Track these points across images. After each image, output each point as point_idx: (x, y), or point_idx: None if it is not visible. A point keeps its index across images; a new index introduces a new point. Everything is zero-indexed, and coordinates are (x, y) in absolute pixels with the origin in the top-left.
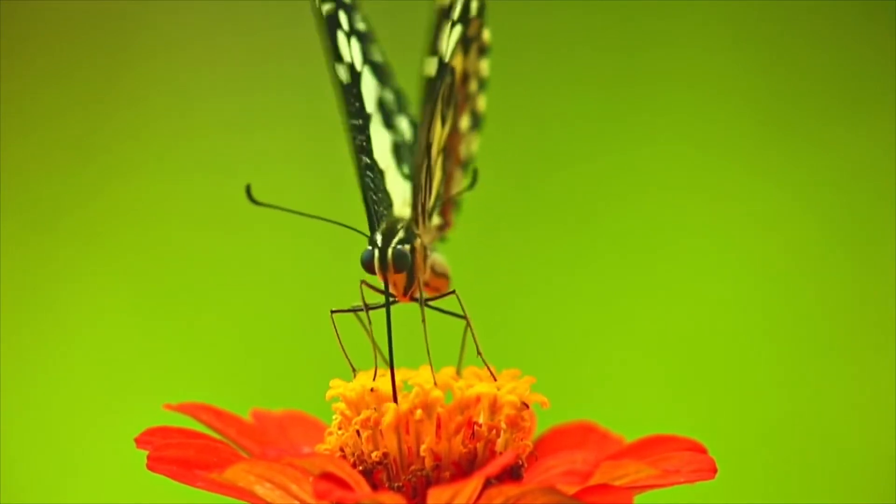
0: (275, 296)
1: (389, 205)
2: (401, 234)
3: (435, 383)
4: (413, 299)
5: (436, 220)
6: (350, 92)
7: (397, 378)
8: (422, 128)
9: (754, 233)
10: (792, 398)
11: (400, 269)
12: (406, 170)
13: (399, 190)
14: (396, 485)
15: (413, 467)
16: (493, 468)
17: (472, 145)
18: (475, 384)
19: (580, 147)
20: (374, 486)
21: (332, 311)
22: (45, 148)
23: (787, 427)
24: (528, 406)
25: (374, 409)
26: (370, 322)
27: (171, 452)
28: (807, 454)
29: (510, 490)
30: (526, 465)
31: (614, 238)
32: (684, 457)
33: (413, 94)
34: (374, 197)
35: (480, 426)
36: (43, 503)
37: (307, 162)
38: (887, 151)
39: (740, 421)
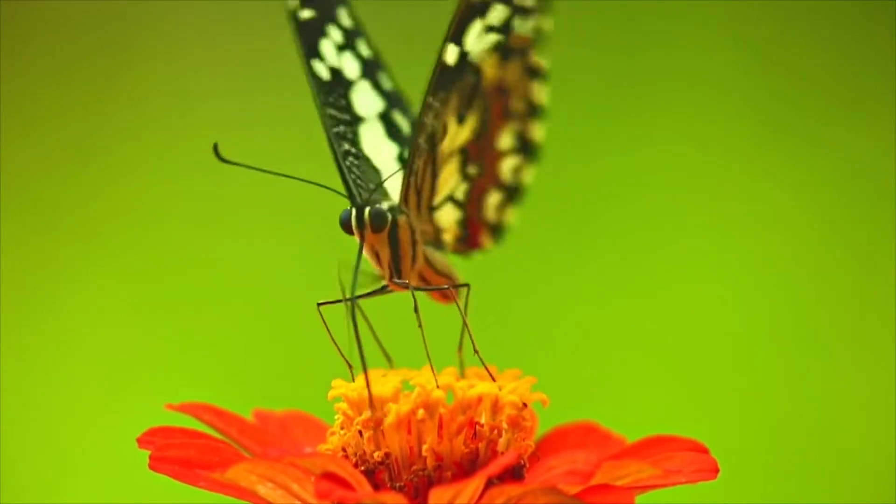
0: (275, 296)
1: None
2: (385, 204)
3: (437, 384)
4: (404, 287)
5: (447, 222)
6: (334, 90)
7: (398, 378)
8: (424, 108)
9: (754, 233)
10: (792, 398)
11: (377, 227)
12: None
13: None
14: (398, 485)
15: (415, 467)
16: (494, 468)
17: (521, 173)
18: (477, 384)
19: (580, 147)
20: (376, 486)
21: (319, 304)
22: (45, 148)
23: (788, 427)
24: (527, 406)
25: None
26: (367, 320)
27: (173, 452)
28: (807, 454)
29: (512, 490)
30: (528, 465)
31: (614, 238)
32: (686, 457)
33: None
34: (357, 180)
35: (482, 426)
36: (43, 503)
37: (307, 162)
38: (887, 151)
39: (741, 421)
